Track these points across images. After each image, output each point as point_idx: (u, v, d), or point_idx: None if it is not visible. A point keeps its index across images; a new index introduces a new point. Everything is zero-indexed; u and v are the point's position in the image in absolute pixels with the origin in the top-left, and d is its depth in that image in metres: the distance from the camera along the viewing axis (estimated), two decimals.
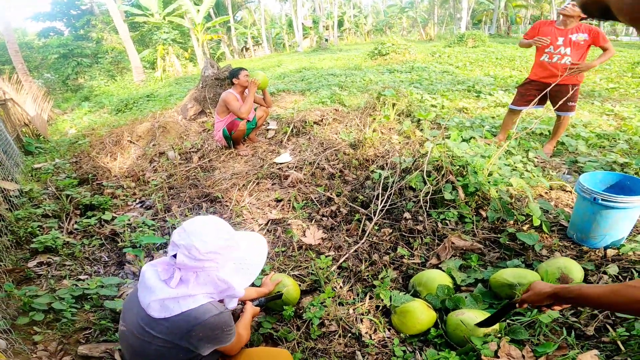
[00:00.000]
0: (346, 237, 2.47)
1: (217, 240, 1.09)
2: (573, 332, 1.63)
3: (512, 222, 2.37)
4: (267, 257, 2.37)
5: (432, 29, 32.45)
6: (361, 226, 2.50)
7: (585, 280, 1.90)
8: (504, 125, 3.80)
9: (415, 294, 1.91)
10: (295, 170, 3.39)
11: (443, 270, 2.03)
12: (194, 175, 3.63)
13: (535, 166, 3.24)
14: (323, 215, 2.74)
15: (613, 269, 1.92)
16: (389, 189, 2.64)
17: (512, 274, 1.82)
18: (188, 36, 19.68)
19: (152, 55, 16.90)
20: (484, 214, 2.44)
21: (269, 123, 4.79)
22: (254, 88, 3.82)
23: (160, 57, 15.25)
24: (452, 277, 1.98)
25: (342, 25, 39.64)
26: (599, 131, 4.12)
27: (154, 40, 16.67)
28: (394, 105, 4.49)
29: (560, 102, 3.21)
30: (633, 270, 1.90)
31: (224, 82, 5.48)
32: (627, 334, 1.57)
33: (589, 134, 4.00)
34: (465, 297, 1.82)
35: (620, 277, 1.89)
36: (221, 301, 1.20)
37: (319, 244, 2.46)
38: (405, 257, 2.22)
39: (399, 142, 3.79)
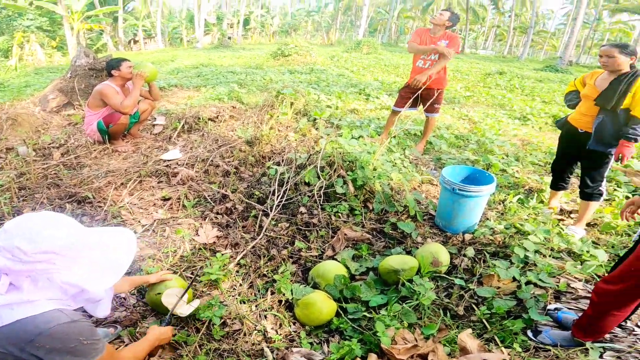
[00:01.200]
0: (243, 234, 2.38)
1: (52, 239, 0.92)
2: (448, 313, 1.83)
3: (393, 212, 2.61)
4: (153, 259, 2.11)
5: (334, 34, 34.10)
6: (258, 222, 2.44)
7: (451, 262, 2.16)
8: (386, 125, 4.19)
9: (315, 286, 1.94)
10: (185, 168, 3.13)
11: (338, 261, 2.10)
12: (55, 173, 3.01)
13: (410, 162, 3.66)
14: (218, 213, 2.59)
15: (470, 252, 2.24)
16: (285, 185, 2.65)
17: (396, 260, 1.98)
18: (60, 24, 16.58)
19: (8, 42, 13.84)
20: (370, 206, 2.64)
21: (155, 118, 4.33)
22: (141, 81, 3.38)
23: (17, 44, 12.52)
24: (347, 267, 2.07)
25: (248, 24, 38.67)
26: (457, 133, 4.88)
27: (12, 27, 13.62)
28: (292, 104, 4.56)
29: (427, 104, 3.69)
30: (485, 252, 2.25)
31: (101, 73, 4.78)
32: (489, 312, 1.81)
33: (450, 135, 4.70)
34: (360, 285, 1.91)
35: (475, 258, 2.21)
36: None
37: (214, 242, 2.30)
38: (303, 250, 2.25)
39: (295, 140, 3.85)
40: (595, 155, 2.54)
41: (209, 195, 2.78)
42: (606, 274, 1.66)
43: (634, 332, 1.75)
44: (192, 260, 2.12)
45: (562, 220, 2.89)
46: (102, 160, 3.32)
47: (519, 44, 44.52)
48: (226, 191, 2.79)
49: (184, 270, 2.04)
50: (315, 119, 4.55)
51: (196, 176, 3.02)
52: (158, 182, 2.95)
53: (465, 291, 1.95)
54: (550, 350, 1.64)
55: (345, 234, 2.30)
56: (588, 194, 2.66)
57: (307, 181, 2.68)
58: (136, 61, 3.61)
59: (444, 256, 2.09)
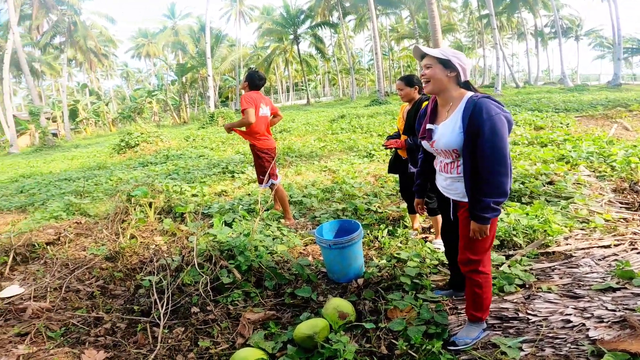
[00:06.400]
0: (136, 350, 2.08)
1: None
2: (375, 357, 1.87)
3: (287, 283, 2.65)
4: None
5: (185, 111, 31.82)
6: (149, 334, 2.19)
7: (355, 309, 2.23)
8: (274, 199, 4.15)
9: None
10: (34, 300, 2.56)
11: (252, 346, 2.02)
12: None
13: (289, 230, 3.68)
14: (98, 336, 2.23)
15: (369, 294, 2.36)
16: (166, 291, 2.49)
17: (307, 326, 1.99)
18: None
19: None
20: (264, 284, 2.63)
21: None
22: None
23: None
24: (263, 349, 1.99)
25: (77, 116, 33.27)
26: (323, 187, 5.10)
27: None
28: (150, 204, 4.15)
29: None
30: (379, 290, 2.39)
31: None
32: (408, 343, 1.86)
33: (316, 191, 4.85)
34: None
35: (375, 298, 2.34)
36: None
37: None
38: (211, 347, 2.07)
39: (165, 242, 3.52)
40: None
41: (79, 322, 2.37)
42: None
43: (532, 321, 1.97)
44: None
45: (426, 237, 3.24)
46: None
47: (349, 85, 45.95)
48: (98, 313, 2.44)
49: None
50: (182, 214, 4.22)
51: (52, 306, 2.51)
52: (5, 321, 2.36)
53: (380, 331, 2.03)
54: (469, 352, 1.79)
55: (249, 318, 2.26)
56: (432, 209, 2.94)
57: (187, 282, 2.56)
58: None
59: (347, 307, 2.17)
